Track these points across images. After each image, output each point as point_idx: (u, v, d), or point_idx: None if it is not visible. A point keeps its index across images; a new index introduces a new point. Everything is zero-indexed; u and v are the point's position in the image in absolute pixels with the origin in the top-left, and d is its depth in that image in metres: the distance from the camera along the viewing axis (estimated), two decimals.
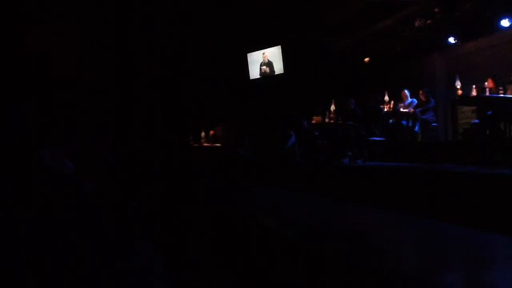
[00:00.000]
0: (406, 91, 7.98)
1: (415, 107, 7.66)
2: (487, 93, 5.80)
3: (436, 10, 7.58)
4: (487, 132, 5.92)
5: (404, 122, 7.69)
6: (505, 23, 7.16)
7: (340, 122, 7.02)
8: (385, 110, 7.57)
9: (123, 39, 7.59)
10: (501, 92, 5.79)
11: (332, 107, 7.06)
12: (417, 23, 7.97)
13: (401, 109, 7.72)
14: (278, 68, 9.60)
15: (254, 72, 9.83)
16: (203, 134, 8.44)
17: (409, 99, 7.89)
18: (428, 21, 7.85)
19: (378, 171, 5.35)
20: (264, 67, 9.69)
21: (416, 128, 7.59)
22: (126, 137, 6.99)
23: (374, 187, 4.58)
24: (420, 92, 7.78)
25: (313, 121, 7.59)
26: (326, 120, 7.14)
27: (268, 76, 9.66)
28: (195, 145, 8.34)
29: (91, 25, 6.70)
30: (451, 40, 8.31)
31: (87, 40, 6.57)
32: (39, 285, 1.54)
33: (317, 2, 7.94)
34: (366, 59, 9.79)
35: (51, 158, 2.55)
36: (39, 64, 5.84)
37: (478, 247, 2.24)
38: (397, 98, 7.99)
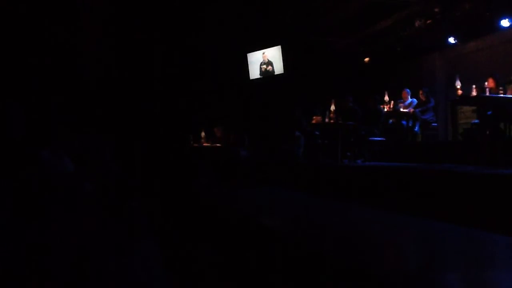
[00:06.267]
0: (407, 90, 7.97)
1: (415, 107, 7.65)
2: (487, 93, 5.79)
3: (436, 10, 7.58)
4: (487, 132, 5.91)
5: (404, 122, 7.68)
6: (505, 23, 7.16)
7: (340, 122, 7.01)
8: (385, 110, 7.56)
9: (124, 40, 7.61)
10: (501, 92, 5.78)
11: (332, 107, 7.05)
12: (417, 23, 7.97)
13: (401, 109, 7.71)
14: (278, 68, 9.59)
15: (254, 72, 9.83)
16: (203, 134, 8.43)
17: (409, 99, 7.89)
18: (428, 21, 7.84)
19: (378, 171, 5.34)
20: (265, 66, 9.69)
21: (416, 128, 7.58)
22: (126, 137, 7.00)
23: (374, 187, 4.58)
24: (420, 92, 7.77)
25: (313, 121, 7.58)
26: (326, 120, 7.13)
27: (268, 76, 9.66)
28: (195, 145, 8.33)
29: (93, 25, 6.71)
30: (451, 40, 8.31)
31: (89, 39, 6.59)
32: (39, 285, 1.54)
33: (317, 2, 7.95)
34: (366, 59, 9.78)
35: (51, 158, 2.55)
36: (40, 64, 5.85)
37: (478, 247, 2.25)
38: (397, 98, 7.98)
